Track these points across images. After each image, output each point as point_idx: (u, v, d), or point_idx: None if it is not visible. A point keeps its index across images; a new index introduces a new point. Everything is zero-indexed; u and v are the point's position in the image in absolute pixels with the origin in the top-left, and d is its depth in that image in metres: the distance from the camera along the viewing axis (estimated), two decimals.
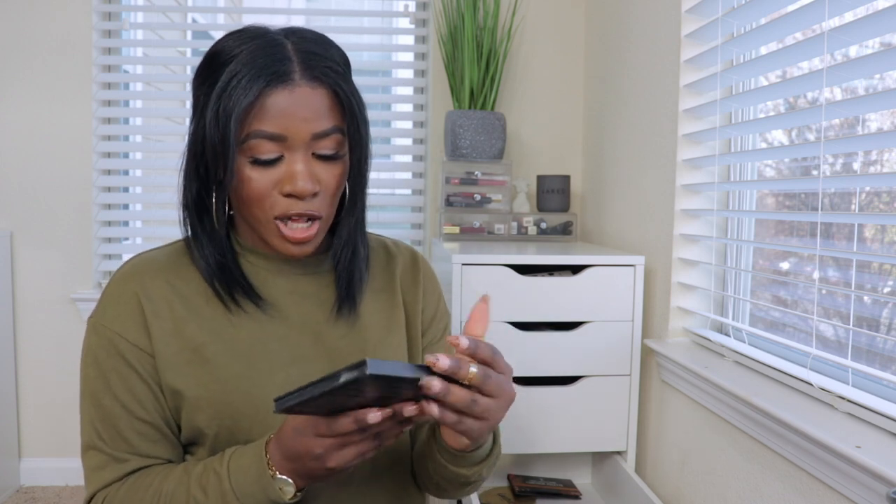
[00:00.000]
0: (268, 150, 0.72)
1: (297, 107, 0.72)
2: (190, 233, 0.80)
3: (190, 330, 0.78)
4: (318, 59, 0.74)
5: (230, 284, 0.79)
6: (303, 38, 0.75)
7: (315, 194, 0.75)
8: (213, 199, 0.79)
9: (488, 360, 0.63)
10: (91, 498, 0.77)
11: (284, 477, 0.69)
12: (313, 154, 0.74)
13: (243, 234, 0.83)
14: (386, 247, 0.95)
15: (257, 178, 0.73)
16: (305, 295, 0.84)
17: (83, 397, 0.78)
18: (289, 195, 0.74)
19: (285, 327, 0.81)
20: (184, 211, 0.80)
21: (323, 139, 0.74)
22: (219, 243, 0.80)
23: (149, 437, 0.77)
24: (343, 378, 0.55)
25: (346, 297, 0.84)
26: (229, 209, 0.84)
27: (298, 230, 0.76)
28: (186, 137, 0.78)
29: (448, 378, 0.61)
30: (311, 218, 0.76)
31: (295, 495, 0.70)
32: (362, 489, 0.82)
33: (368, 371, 0.53)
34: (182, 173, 0.79)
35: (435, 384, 0.59)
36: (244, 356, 0.78)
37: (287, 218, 0.75)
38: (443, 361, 0.59)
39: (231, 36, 0.75)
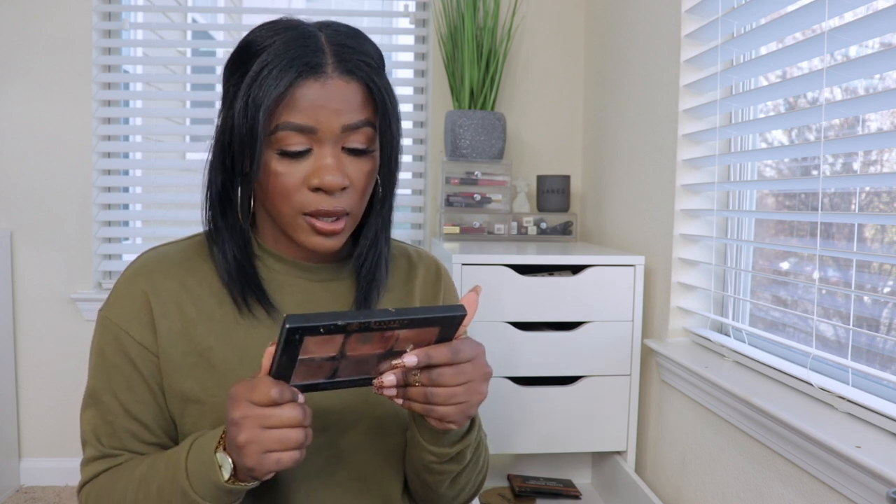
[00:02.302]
0: (296, 143, 0.71)
1: (328, 99, 0.70)
2: (212, 227, 0.79)
3: (198, 332, 0.76)
4: (352, 52, 0.72)
5: (244, 287, 0.77)
6: (337, 31, 0.74)
7: (344, 189, 0.73)
8: (238, 193, 0.77)
9: (446, 362, 0.65)
10: (81, 488, 0.77)
11: (225, 454, 0.65)
12: (343, 148, 0.73)
13: (265, 233, 0.82)
14: (408, 256, 0.91)
15: (285, 172, 0.71)
16: (319, 304, 0.82)
17: (87, 388, 0.78)
18: (317, 189, 0.72)
19: None
20: (207, 204, 0.78)
21: (353, 133, 0.72)
22: (240, 240, 0.78)
23: (142, 439, 0.76)
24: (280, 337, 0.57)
25: (365, 302, 0.82)
26: (253, 205, 0.82)
27: (326, 223, 0.74)
28: (215, 129, 0.77)
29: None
30: (339, 215, 0.74)
31: (233, 480, 0.65)
32: (348, 492, 0.81)
33: (287, 325, 0.56)
34: (208, 166, 0.77)
35: (386, 380, 0.64)
36: (252, 363, 0.77)
37: (316, 215, 0.73)
38: (388, 380, 0.64)
39: (264, 27, 0.74)
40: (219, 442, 0.66)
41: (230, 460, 0.64)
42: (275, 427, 0.61)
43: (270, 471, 0.62)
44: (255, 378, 0.62)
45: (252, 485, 0.66)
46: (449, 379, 0.65)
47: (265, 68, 0.69)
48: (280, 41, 0.70)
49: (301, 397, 0.62)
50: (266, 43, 0.71)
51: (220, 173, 0.76)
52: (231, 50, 0.77)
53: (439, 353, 0.64)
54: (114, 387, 0.76)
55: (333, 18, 0.78)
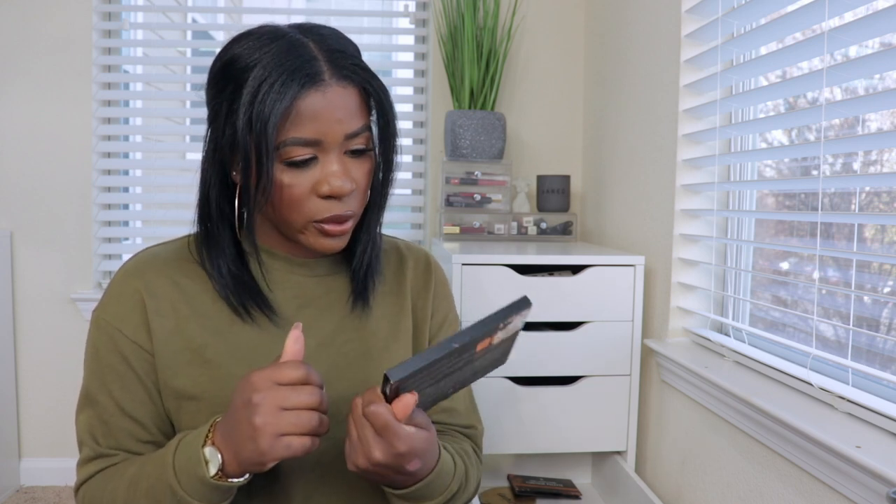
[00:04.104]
0: (302, 154, 0.72)
1: (330, 108, 0.71)
2: (206, 245, 0.79)
3: (192, 329, 0.77)
4: (343, 56, 0.73)
5: (243, 298, 0.78)
6: (322, 36, 0.74)
7: (351, 192, 0.75)
8: (236, 208, 0.78)
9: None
10: (78, 489, 0.78)
11: (214, 448, 0.66)
12: (345, 152, 0.75)
13: (262, 234, 0.82)
14: (398, 249, 0.93)
15: (293, 182, 0.73)
16: (313, 299, 0.83)
17: (82, 389, 0.79)
18: (327, 196, 0.74)
19: (288, 331, 0.80)
20: (202, 220, 0.79)
21: (355, 138, 0.74)
22: (233, 252, 0.78)
23: (138, 438, 0.77)
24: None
25: (362, 293, 0.84)
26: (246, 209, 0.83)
27: (335, 226, 0.76)
28: (204, 146, 0.77)
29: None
30: (349, 218, 0.77)
31: (220, 475, 0.66)
32: (347, 483, 0.81)
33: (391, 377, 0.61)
34: (202, 183, 0.77)
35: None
36: (245, 358, 0.77)
37: (328, 221, 0.75)
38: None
39: (245, 39, 0.73)
40: (206, 437, 0.67)
41: (219, 456, 0.65)
42: (293, 409, 0.62)
43: (279, 457, 0.63)
44: (278, 362, 0.65)
45: (241, 481, 0.67)
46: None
47: (264, 83, 0.69)
48: (270, 53, 0.70)
49: (322, 384, 0.65)
50: (255, 56, 0.71)
51: (216, 192, 0.77)
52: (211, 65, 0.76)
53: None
54: (109, 386, 0.76)
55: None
